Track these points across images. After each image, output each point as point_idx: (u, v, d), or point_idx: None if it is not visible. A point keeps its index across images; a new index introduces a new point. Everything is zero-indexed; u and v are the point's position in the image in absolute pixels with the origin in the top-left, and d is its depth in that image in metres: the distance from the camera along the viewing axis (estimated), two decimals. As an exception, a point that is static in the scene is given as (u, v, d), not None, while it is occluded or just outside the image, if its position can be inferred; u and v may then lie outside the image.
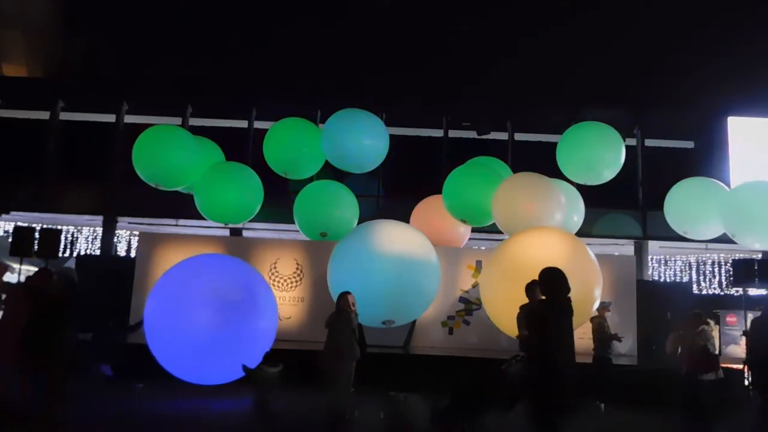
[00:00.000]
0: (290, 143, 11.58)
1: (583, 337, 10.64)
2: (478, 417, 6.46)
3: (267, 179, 12.18)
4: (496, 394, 6.29)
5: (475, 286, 12.57)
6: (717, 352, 8.30)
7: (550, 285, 5.11)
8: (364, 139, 11.10)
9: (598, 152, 10.88)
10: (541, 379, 4.86)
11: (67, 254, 17.92)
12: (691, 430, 7.52)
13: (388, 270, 9.86)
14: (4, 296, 7.11)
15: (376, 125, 11.38)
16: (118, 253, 17.89)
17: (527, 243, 9.62)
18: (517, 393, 6.00)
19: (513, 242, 9.99)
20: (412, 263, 10.11)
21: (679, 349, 8.03)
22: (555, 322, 4.95)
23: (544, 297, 5.15)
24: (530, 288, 6.34)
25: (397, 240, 10.25)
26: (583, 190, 11.55)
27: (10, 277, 15.67)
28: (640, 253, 16.36)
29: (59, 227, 17.19)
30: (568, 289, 5.08)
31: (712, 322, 12.76)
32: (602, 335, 9.00)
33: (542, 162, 11.43)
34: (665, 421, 8.16)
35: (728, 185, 14.93)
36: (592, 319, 9.28)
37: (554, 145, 11.26)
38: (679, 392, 7.92)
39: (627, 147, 11.18)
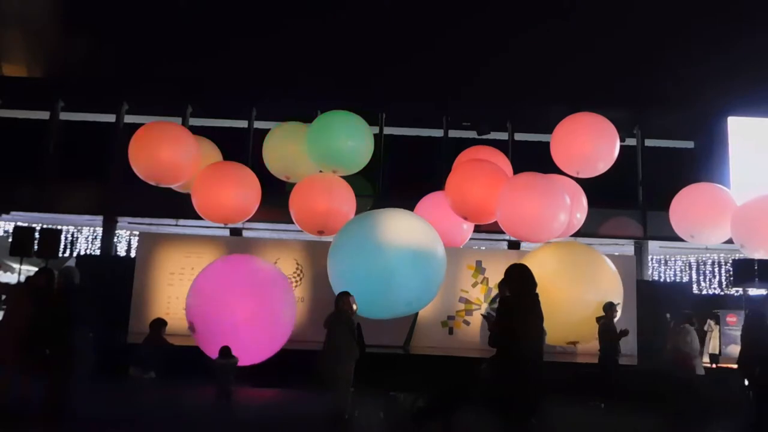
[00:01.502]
0: (290, 149, 11.63)
1: (583, 337, 10.71)
2: (457, 416, 6.49)
3: (266, 178, 12.20)
4: (474, 393, 6.29)
5: (475, 285, 12.59)
6: (696, 351, 8.45)
7: (517, 281, 5.10)
8: (347, 140, 11.13)
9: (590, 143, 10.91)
10: (507, 375, 4.84)
11: (67, 254, 17.92)
12: (687, 429, 7.55)
13: (391, 262, 9.41)
14: (3, 296, 7.12)
15: (358, 126, 11.39)
16: (118, 253, 17.89)
17: (548, 256, 9.91)
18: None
19: (536, 256, 10.20)
20: (416, 254, 9.64)
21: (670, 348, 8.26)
22: (522, 317, 4.93)
23: (510, 293, 5.12)
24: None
25: (400, 229, 9.81)
26: (583, 189, 11.55)
27: (10, 277, 15.73)
28: (640, 253, 16.36)
29: (59, 227, 17.19)
30: (535, 285, 5.09)
31: (712, 322, 12.85)
32: (609, 336, 9.00)
33: (542, 162, 11.43)
34: (665, 421, 8.17)
35: (728, 185, 15.01)
36: (598, 320, 9.30)
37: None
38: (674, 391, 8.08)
39: (627, 147, 11.19)
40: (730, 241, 11.14)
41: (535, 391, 4.85)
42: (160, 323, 8.38)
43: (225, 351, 7.97)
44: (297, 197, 11.48)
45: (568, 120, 11.02)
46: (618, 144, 10.90)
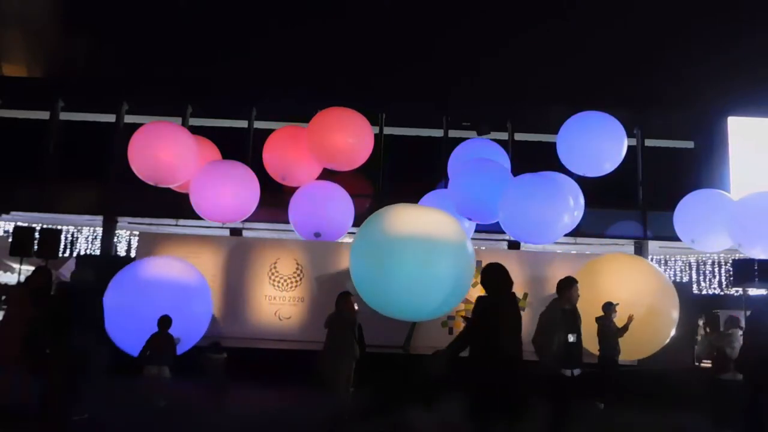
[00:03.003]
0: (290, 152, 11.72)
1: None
2: (400, 413, 6.51)
3: (265, 178, 12.23)
4: (417, 390, 6.32)
5: (475, 285, 12.56)
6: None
7: (494, 281, 5.12)
8: (348, 138, 11.17)
9: (599, 143, 10.88)
10: (482, 374, 4.84)
11: (67, 254, 17.91)
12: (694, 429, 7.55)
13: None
14: (3, 297, 7.12)
15: (359, 123, 11.41)
16: (118, 253, 17.88)
17: (603, 269, 9.99)
18: (439, 389, 6.08)
19: (591, 270, 10.33)
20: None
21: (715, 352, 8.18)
22: (497, 316, 4.95)
23: (486, 293, 5.14)
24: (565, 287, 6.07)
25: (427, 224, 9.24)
26: (583, 189, 11.55)
27: (10, 277, 15.72)
28: (640, 253, 16.35)
29: (59, 227, 17.18)
30: (511, 284, 5.13)
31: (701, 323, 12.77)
32: (608, 336, 8.99)
33: (542, 162, 11.42)
34: (665, 420, 8.18)
35: (728, 185, 15.00)
36: (597, 320, 9.31)
37: (554, 145, 11.25)
38: (686, 391, 8.08)
39: (627, 147, 11.18)
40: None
41: (511, 390, 4.84)
42: (169, 320, 8.38)
43: (214, 345, 8.31)
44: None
45: (574, 118, 11.01)
46: (626, 144, 10.91)
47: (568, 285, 6.02)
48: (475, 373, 4.86)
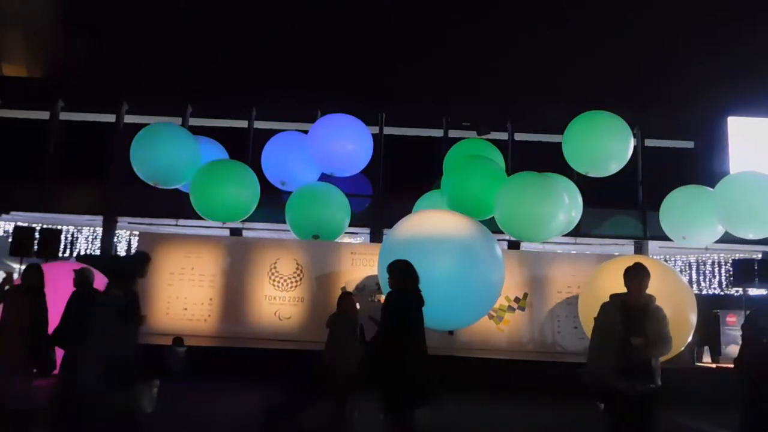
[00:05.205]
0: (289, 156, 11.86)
1: (583, 337, 10.72)
2: (311, 411, 6.55)
3: (265, 178, 12.24)
4: (329, 388, 6.37)
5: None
6: None
7: (400, 276, 5.20)
8: (347, 144, 11.30)
9: (606, 142, 10.83)
10: (392, 370, 4.91)
11: (67, 254, 17.91)
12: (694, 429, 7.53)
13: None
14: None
15: (359, 128, 11.53)
16: (118, 253, 17.88)
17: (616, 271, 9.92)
18: (352, 385, 6.22)
19: (605, 272, 10.18)
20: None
21: None
22: (406, 312, 5.04)
23: (395, 288, 5.21)
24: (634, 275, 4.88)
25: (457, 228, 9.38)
26: (583, 189, 11.55)
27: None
28: (640, 253, 16.35)
29: (59, 227, 17.18)
30: (417, 280, 5.22)
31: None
32: None
33: (542, 162, 11.43)
34: (665, 419, 8.17)
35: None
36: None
37: (554, 145, 11.27)
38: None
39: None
40: (729, 240, 11.14)
41: (420, 384, 4.93)
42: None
43: (177, 340, 8.56)
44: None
45: (581, 118, 11.01)
46: (632, 144, 10.93)
47: (634, 274, 4.93)
48: (394, 366, 4.93)
